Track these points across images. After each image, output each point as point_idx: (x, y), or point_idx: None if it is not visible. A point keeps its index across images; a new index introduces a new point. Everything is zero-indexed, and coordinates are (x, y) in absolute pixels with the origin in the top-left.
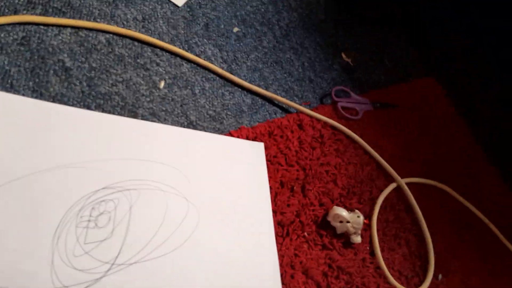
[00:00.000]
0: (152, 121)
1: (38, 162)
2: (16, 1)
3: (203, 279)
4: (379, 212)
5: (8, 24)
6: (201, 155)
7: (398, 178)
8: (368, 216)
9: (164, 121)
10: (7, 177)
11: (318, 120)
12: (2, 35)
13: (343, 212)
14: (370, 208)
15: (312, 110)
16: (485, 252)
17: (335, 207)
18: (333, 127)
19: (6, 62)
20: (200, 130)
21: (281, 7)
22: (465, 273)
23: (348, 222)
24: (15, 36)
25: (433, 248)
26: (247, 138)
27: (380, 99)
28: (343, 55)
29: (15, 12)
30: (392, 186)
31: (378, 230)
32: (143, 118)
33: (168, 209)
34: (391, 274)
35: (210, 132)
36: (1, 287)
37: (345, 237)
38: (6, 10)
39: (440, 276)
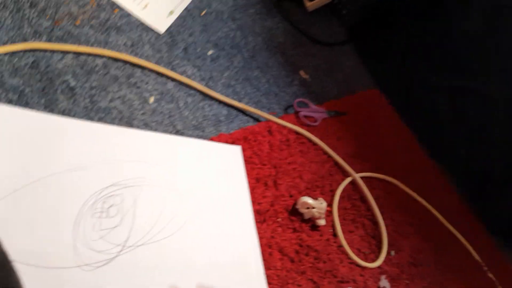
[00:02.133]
0: (145, 130)
1: (55, 166)
2: (24, 31)
3: (198, 258)
4: (339, 202)
5: (20, 51)
6: (188, 157)
7: (353, 173)
8: (329, 205)
9: (155, 130)
10: (30, 178)
11: (284, 126)
12: (15, 60)
13: (309, 200)
14: (330, 198)
15: (278, 118)
16: (428, 232)
17: (302, 197)
18: (297, 132)
19: (20, 83)
20: (186, 137)
21: (247, 33)
22: (413, 250)
23: (313, 208)
24: (26, 61)
25: (385, 229)
26: (226, 143)
27: (334, 109)
28: (301, 73)
29: (24, 40)
30: (348, 179)
31: (338, 216)
32: (138, 128)
33: (165, 201)
34: (351, 251)
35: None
36: (37, 266)
37: (311, 222)
38: (17, 39)
39: (392, 252)
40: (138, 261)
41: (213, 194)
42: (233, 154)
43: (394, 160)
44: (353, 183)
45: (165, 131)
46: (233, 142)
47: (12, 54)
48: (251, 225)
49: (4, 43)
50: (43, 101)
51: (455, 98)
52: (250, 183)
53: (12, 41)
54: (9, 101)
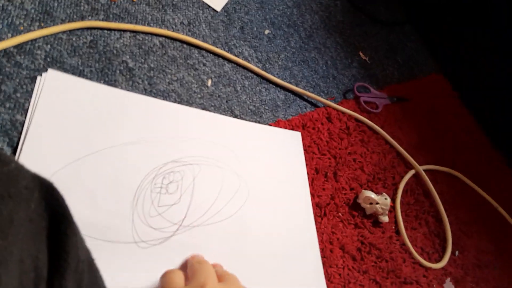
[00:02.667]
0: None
1: (118, 138)
2: (82, 8)
3: (252, 245)
4: (401, 196)
5: (78, 29)
6: (248, 141)
7: (417, 165)
8: (392, 199)
9: None
10: (93, 148)
11: (344, 113)
12: (73, 39)
13: (372, 195)
14: (393, 192)
15: (337, 104)
16: (495, 232)
17: (364, 190)
18: (357, 120)
19: (79, 63)
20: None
21: (304, 10)
22: (478, 251)
23: (377, 203)
24: (84, 40)
25: (450, 228)
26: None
27: (395, 94)
28: (361, 54)
29: (82, 18)
30: (411, 172)
31: (401, 212)
32: None
33: (224, 182)
34: (415, 250)
35: None
36: (95, 237)
37: (373, 217)
38: (74, 17)
39: (457, 252)
40: (193, 242)
41: (272, 179)
42: (293, 140)
43: (458, 152)
44: (416, 176)
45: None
46: (291, 129)
47: (70, 32)
48: (310, 218)
49: (62, 21)
50: (102, 82)
51: None
52: (309, 174)
53: (70, 19)
54: None
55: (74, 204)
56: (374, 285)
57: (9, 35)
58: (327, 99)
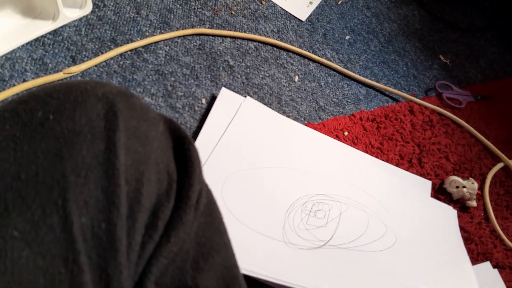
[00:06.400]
0: (291, 105)
1: (282, 161)
2: (192, 19)
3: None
4: (490, 187)
5: (190, 35)
6: (402, 193)
7: (506, 158)
8: (479, 188)
9: (300, 105)
10: (263, 164)
11: (426, 107)
12: (186, 42)
13: (459, 179)
14: (481, 182)
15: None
16: None
17: (451, 175)
18: (440, 114)
19: (191, 61)
20: (327, 112)
21: (383, 19)
22: None
23: (464, 187)
24: (195, 43)
25: None
26: (367, 119)
27: (479, 93)
28: (441, 57)
29: (192, 27)
30: (500, 165)
31: (490, 201)
32: (285, 103)
33: (369, 225)
34: (507, 238)
35: (336, 114)
36: (254, 229)
37: (460, 203)
38: (186, 26)
39: None
40: (337, 260)
41: (419, 239)
42: (447, 215)
43: None
44: (505, 169)
45: (309, 106)
46: (373, 119)
47: (184, 37)
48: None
49: (177, 29)
50: (209, 76)
51: None
52: (394, 159)
53: (183, 27)
54: (184, 75)
55: (242, 199)
56: None
57: (138, 38)
58: (409, 95)
